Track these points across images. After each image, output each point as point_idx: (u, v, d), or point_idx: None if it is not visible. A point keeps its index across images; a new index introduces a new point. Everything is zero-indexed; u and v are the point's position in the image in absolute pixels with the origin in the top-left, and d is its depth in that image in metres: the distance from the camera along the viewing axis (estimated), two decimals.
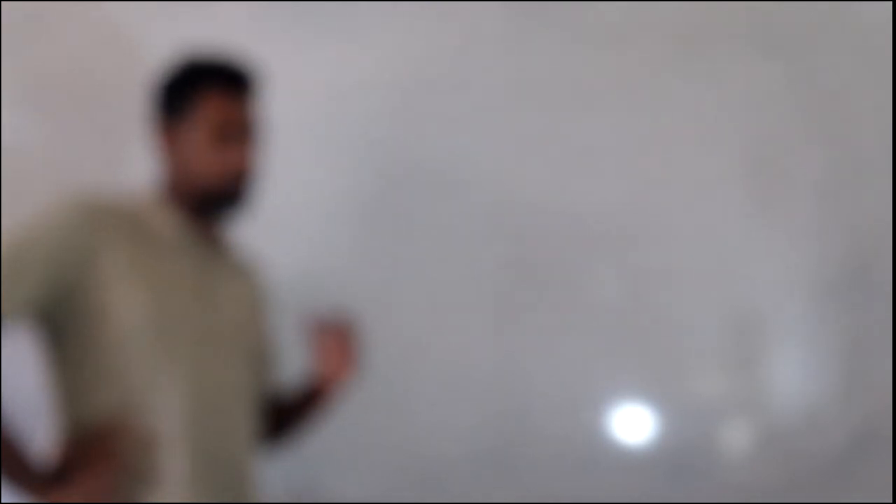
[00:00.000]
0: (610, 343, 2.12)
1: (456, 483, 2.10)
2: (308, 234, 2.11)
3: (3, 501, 1.86)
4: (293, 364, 1.73)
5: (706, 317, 2.15)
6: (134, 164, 2.00)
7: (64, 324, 1.41)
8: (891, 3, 2.17)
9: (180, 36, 1.97)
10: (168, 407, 1.42)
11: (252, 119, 1.55)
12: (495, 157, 2.08)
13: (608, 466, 2.12)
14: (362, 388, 1.88)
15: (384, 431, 2.11)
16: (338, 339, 1.65)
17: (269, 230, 1.94)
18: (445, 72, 2.04)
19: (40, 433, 1.45)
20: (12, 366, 1.78)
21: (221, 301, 1.53)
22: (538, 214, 2.12)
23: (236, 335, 1.54)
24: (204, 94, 1.51)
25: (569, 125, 2.12)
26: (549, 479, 2.11)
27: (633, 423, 2.14)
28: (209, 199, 1.52)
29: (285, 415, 1.69)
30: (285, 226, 2.08)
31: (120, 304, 1.41)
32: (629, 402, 2.14)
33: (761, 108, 2.16)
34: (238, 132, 1.52)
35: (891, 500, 2.06)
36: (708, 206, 2.15)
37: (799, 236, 2.16)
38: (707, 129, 2.15)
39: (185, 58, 1.55)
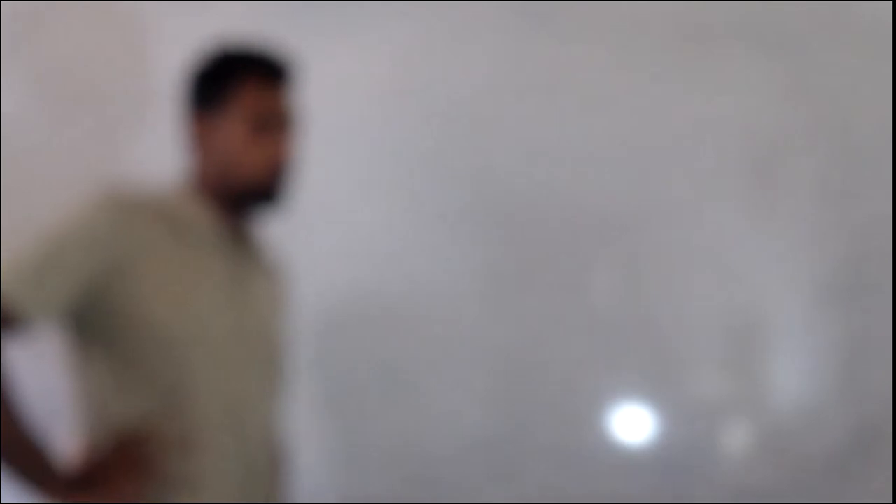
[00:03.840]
0: (610, 343, 2.12)
1: (456, 483, 2.10)
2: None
3: (3, 502, 1.86)
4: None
5: (706, 317, 2.14)
6: (133, 163, 2.00)
7: (94, 325, 1.37)
8: (891, 3, 2.17)
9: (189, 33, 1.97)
10: (201, 409, 1.38)
11: (290, 109, 1.50)
12: (499, 153, 2.09)
13: (608, 466, 2.12)
14: (360, 385, 1.88)
15: (383, 430, 2.11)
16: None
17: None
18: (451, 71, 2.03)
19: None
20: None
21: (252, 300, 1.49)
22: (538, 214, 2.12)
23: (265, 336, 1.51)
24: (240, 85, 1.46)
25: (569, 125, 2.12)
26: (548, 479, 2.11)
27: (632, 423, 2.14)
28: (246, 194, 1.47)
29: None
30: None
31: (153, 305, 1.37)
32: (629, 402, 2.14)
33: (762, 108, 2.16)
34: (276, 123, 1.47)
35: (891, 501, 2.06)
36: (708, 208, 2.15)
37: (798, 237, 2.16)
38: (707, 131, 2.15)
39: (220, 48, 1.50)
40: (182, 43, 1.98)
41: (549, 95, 2.11)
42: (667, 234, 2.14)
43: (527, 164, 2.11)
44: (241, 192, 1.46)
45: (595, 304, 2.14)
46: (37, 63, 2.01)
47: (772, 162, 2.17)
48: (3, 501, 1.86)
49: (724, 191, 2.16)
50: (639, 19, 2.14)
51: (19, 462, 1.28)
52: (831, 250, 2.16)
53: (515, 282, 2.11)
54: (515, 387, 2.03)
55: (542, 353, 2.09)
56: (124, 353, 1.37)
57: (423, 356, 2.12)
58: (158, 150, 1.95)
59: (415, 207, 2.05)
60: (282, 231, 1.68)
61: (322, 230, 2.13)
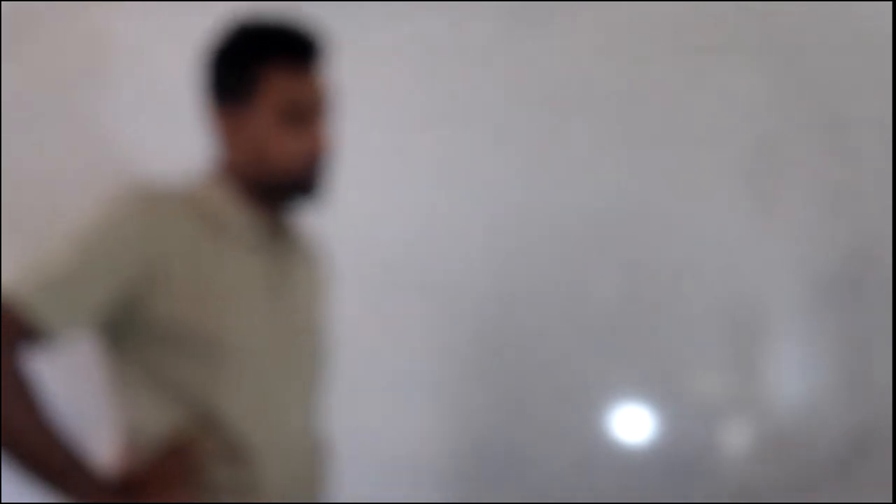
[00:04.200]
0: (610, 343, 2.12)
1: (455, 482, 2.10)
2: None
3: (3, 502, 1.86)
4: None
5: (706, 317, 2.14)
6: (134, 166, 2.00)
7: (129, 331, 1.28)
8: (891, 3, 2.17)
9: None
10: (243, 415, 1.30)
11: (324, 92, 1.35)
12: (499, 154, 2.08)
13: (607, 466, 2.12)
14: (360, 382, 1.88)
15: (382, 428, 2.11)
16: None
17: None
18: (450, 72, 2.03)
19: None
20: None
21: (293, 296, 1.39)
22: (537, 214, 2.12)
23: (307, 331, 1.43)
24: (265, 71, 1.31)
25: (570, 126, 2.12)
26: (547, 479, 2.11)
27: (632, 423, 2.14)
28: (281, 188, 1.34)
29: None
30: None
31: (189, 308, 1.27)
32: (628, 401, 2.14)
33: (761, 109, 2.16)
34: (309, 112, 1.33)
35: (891, 501, 2.05)
36: (708, 207, 2.15)
37: (797, 237, 2.17)
38: (707, 130, 2.15)
39: (238, 25, 1.34)
40: (182, 41, 1.99)
41: (549, 97, 2.11)
42: (667, 234, 2.14)
43: (526, 165, 2.11)
44: (276, 186, 1.34)
45: (595, 304, 2.14)
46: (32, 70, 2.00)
47: (771, 162, 2.17)
48: (3, 502, 1.86)
49: (724, 192, 2.16)
50: (638, 21, 2.14)
51: (52, 470, 1.21)
52: (830, 250, 2.16)
53: (514, 281, 2.11)
54: (514, 386, 2.03)
55: (542, 352, 2.09)
56: (160, 358, 1.29)
57: (418, 357, 2.12)
58: (162, 146, 1.96)
59: (419, 208, 2.05)
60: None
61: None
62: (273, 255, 1.38)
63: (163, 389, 1.29)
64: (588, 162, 2.13)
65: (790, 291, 2.17)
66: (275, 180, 1.34)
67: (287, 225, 1.42)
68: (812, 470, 2.13)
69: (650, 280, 2.13)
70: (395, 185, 2.11)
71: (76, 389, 1.76)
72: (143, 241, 1.25)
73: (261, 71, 1.31)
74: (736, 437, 2.15)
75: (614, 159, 2.13)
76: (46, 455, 1.20)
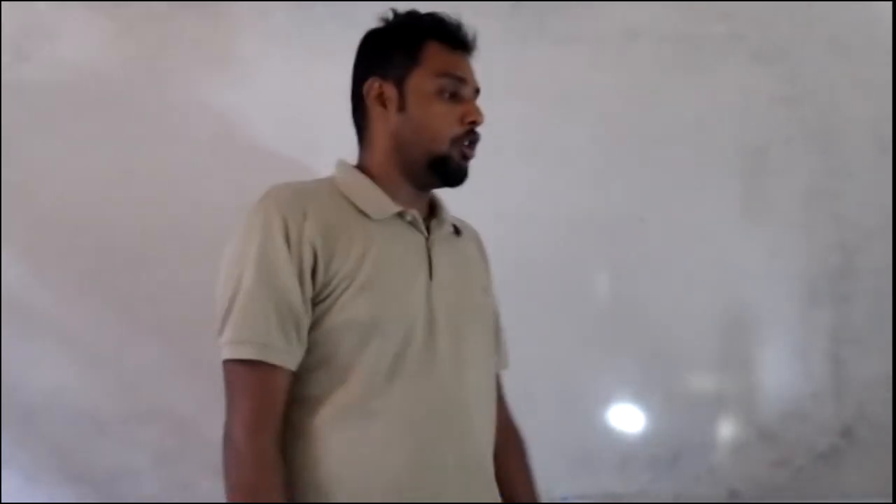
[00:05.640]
0: (605, 340, 2.12)
1: None
2: None
3: (3, 502, 1.86)
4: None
5: (698, 313, 2.16)
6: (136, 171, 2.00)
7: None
8: (891, 3, 2.17)
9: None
10: (405, 399, 1.29)
11: (474, 78, 1.41)
12: (498, 154, 2.09)
13: (602, 463, 2.12)
14: None
15: None
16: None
17: None
18: None
19: None
20: None
21: (452, 280, 1.38)
22: (536, 214, 2.12)
23: (476, 313, 1.42)
24: (428, 44, 1.37)
25: (565, 125, 2.12)
26: (543, 477, 2.11)
27: (625, 420, 2.15)
28: (437, 163, 1.37)
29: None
30: None
31: (352, 295, 1.29)
32: (623, 398, 2.15)
33: (752, 109, 2.17)
34: (464, 88, 1.38)
35: (891, 501, 2.06)
36: (701, 206, 2.16)
37: (790, 235, 2.18)
38: (699, 131, 2.16)
39: (402, 13, 1.41)
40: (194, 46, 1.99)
41: (548, 97, 2.12)
42: (661, 235, 2.15)
43: (524, 165, 2.11)
44: (432, 160, 1.37)
45: (590, 302, 2.15)
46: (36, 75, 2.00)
47: (762, 162, 2.18)
48: (3, 501, 1.86)
49: (716, 191, 2.17)
50: (637, 23, 2.15)
51: None
52: (822, 247, 2.18)
53: (513, 281, 2.11)
54: (510, 382, 2.03)
55: (539, 351, 2.09)
56: (322, 347, 1.29)
57: None
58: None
59: None
60: None
61: None
62: (426, 241, 1.38)
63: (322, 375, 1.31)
64: (584, 164, 2.13)
65: (781, 289, 2.18)
66: (433, 150, 1.36)
67: (436, 205, 1.45)
68: (803, 465, 2.15)
69: (645, 277, 2.14)
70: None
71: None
72: (301, 240, 1.28)
73: (424, 44, 1.37)
74: (729, 432, 2.16)
75: (610, 162, 2.14)
76: None
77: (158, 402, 1.98)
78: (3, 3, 1.93)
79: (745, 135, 2.17)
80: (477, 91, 1.42)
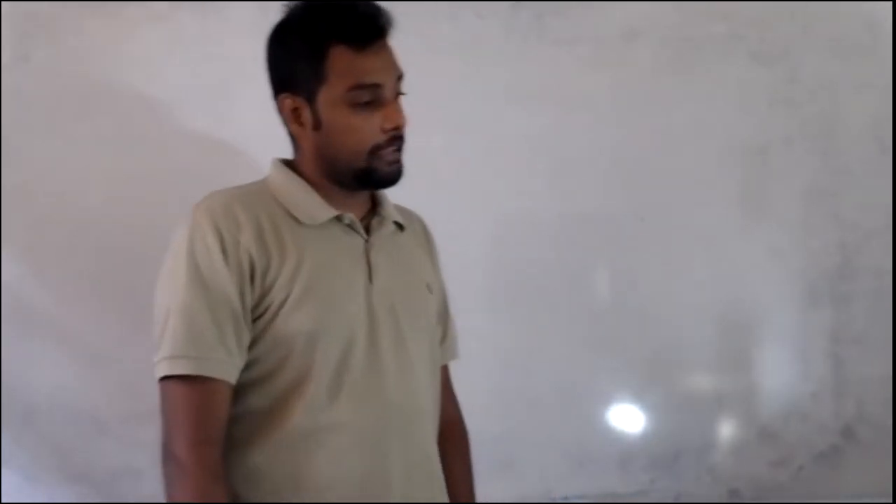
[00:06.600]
0: (604, 340, 2.12)
1: None
2: None
3: (3, 502, 1.86)
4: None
5: (698, 313, 2.15)
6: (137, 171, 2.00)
7: None
8: (891, 3, 2.17)
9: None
10: (341, 427, 1.29)
11: (395, 69, 1.33)
12: (498, 154, 2.09)
13: (602, 463, 2.12)
14: None
15: None
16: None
17: None
18: (448, 74, 2.03)
19: None
20: None
21: (393, 282, 1.36)
22: (535, 214, 2.12)
23: (418, 314, 1.39)
24: (332, 51, 1.29)
25: (564, 126, 2.12)
26: (543, 477, 2.11)
27: (625, 420, 2.15)
28: (362, 176, 1.33)
29: None
30: None
31: (289, 304, 1.28)
32: (623, 398, 2.15)
33: (752, 109, 2.17)
34: (381, 92, 1.30)
35: (891, 501, 2.06)
36: (701, 206, 2.16)
37: (789, 234, 2.18)
38: (699, 131, 2.16)
39: (298, 7, 1.33)
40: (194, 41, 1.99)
41: (547, 97, 2.11)
42: (659, 235, 2.15)
43: (524, 165, 2.11)
44: (355, 175, 1.33)
45: (590, 302, 2.15)
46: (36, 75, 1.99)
47: (761, 163, 2.18)
48: (3, 502, 1.86)
49: (718, 190, 2.17)
50: (637, 24, 2.15)
51: None
52: (822, 247, 2.18)
53: (512, 280, 2.11)
54: (511, 382, 2.03)
55: (537, 350, 2.09)
56: (264, 363, 1.29)
57: None
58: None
59: (416, 209, 2.05)
60: None
61: None
62: (363, 241, 1.36)
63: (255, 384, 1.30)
64: (584, 164, 2.13)
65: (780, 289, 2.19)
66: (355, 164, 1.32)
67: (376, 201, 1.42)
68: (803, 466, 2.15)
69: (644, 277, 2.14)
70: (394, 186, 2.11)
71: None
72: (237, 249, 1.26)
73: (329, 48, 1.29)
74: (729, 432, 2.16)
75: (610, 162, 2.14)
76: None
77: (158, 402, 1.97)
78: (2, 3, 1.93)
79: (745, 135, 2.17)
80: (399, 78, 1.34)
